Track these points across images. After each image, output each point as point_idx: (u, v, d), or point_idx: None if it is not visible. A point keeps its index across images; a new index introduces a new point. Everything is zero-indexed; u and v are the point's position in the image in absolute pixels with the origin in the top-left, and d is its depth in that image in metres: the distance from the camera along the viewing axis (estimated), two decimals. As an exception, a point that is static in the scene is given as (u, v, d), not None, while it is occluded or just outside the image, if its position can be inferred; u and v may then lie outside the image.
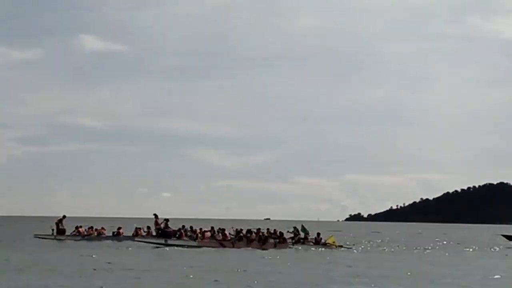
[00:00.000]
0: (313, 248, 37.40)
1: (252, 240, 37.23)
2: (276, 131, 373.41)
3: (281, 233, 38.65)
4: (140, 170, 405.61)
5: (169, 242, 35.44)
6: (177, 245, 35.09)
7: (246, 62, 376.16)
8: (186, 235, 36.85)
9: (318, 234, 39.58)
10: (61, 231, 42.97)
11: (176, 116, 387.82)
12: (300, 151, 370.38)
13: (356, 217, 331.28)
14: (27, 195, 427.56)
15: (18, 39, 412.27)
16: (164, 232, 36.33)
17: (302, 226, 42.14)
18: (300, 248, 37.30)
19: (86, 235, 42.86)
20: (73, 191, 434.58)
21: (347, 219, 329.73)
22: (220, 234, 37.48)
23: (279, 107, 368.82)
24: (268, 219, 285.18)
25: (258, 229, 38.75)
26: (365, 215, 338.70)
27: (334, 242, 38.76)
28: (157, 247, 34.79)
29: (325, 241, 38.85)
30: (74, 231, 43.25)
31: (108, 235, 43.67)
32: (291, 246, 37.68)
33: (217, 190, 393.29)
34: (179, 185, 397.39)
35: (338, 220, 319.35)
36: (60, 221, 43.86)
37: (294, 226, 43.46)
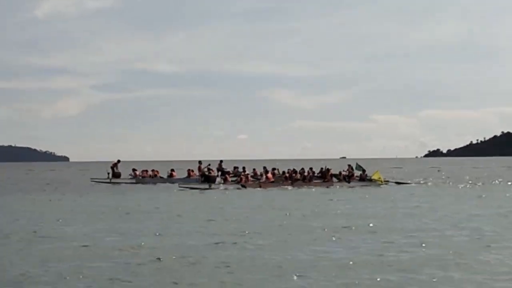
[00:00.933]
0: (351, 185, 37.31)
1: (296, 180, 37.36)
2: (352, 70, 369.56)
3: (325, 172, 38.58)
4: (216, 113, 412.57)
5: (213, 186, 35.84)
6: (221, 189, 35.41)
7: (318, 2, 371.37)
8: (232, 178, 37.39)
9: (363, 171, 39.29)
10: (116, 175, 44.32)
11: (250, 59, 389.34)
12: (376, 89, 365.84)
13: (435, 153, 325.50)
14: (106, 140, 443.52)
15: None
16: (207, 177, 36.89)
17: (357, 164, 42.05)
18: (337, 185, 37.14)
19: (141, 177, 43.83)
20: (149, 135, 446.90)
21: (426, 155, 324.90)
22: (264, 176, 37.77)
23: (353, 45, 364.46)
24: (344, 157, 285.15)
25: (302, 169, 38.73)
26: (444, 151, 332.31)
27: (379, 178, 38.43)
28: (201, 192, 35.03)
29: (370, 177, 38.62)
30: (130, 174, 44.49)
31: (163, 176, 44.50)
32: (335, 184, 37.64)
33: (292, 131, 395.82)
34: (255, 127, 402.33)
35: (416, 157, 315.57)
36: (115, 165, 45.13)
37: (348, 164, 43.55)
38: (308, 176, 37.83)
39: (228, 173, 39.81)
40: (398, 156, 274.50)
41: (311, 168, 38.81)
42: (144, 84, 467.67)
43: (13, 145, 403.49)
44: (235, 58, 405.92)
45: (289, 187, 35.70)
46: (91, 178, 47.71)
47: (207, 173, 37.37)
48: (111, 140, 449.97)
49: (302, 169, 38.66)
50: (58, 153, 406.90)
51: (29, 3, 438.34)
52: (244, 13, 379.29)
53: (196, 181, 37.88)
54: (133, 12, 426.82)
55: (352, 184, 37.69)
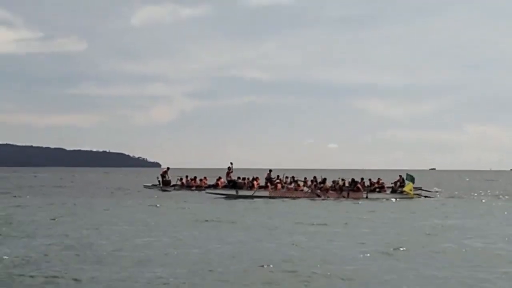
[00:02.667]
0: (377, 197, 36.66)
1: (327, 189, 37.26)
2: (444, 79, 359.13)
3: (356, 182, 38.24)
4: (307, 121, 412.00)
5: (240, 193, 36.30)
6: (247, 196, 35.83)
7: (411, 9, 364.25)
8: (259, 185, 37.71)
9: (395, 183, 38.70)
10: (166, 182, 45.84)
11: (341, 67, 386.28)
12: (470, 98, 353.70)
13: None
14: (198, 148, 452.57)
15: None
16: (235, 183, 37.38)
17: (407, 174, 41.62)
18: (363, 197, 36.58)
19: (187, 186, 45.06)
20: (241, 143, 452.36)
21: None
22: (293, 184, 37.92)
23: (447, 54, 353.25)
24: (434, 169, 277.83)
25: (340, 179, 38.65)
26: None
27: (410, 191, 37.63)
28: (228, 198, 35.56)
29: (402, 189, 37.88)
30: (177, 180, 45.73)
31: (211, 183, 44.88)
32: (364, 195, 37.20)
33: (383, 140, 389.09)
34: (346, 136, 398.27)
35: (511, 169, 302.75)
36: (165, 173, 46.79)
37: (399, 175, 43.04)
38: (338, 186, 37.63)
39: (275, 182, 40.17)
40: (493, 169, 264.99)
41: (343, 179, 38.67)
42: (236, 92, 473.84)
43: (107, 150, 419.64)
44: (327, 66, 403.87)
45: (317, 198, 35.67)
46: (144, 185, 49.30)
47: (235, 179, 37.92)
48: (202, 147, 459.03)
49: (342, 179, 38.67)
50: (150, 159, 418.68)
51: (125, 12, 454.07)
52: (337, 20, 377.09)
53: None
54: (226, 20, 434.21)
55: (380, 195, 37.14)
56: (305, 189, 37.13)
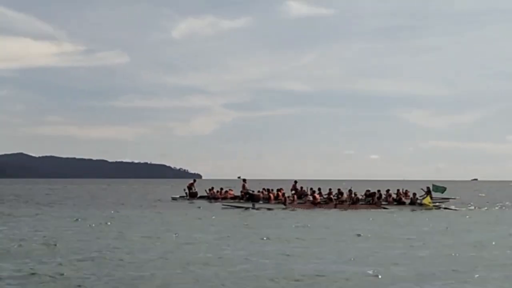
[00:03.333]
0: (394, 209, 36.19)
1: (342, 202, 36.91)
2: (487, 89, 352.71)
3: (373, 194, 37.79)
4: (347, 132, 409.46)
5: (257, 205, 36.18)
6: (264, 208, 35.68)
7: (452, 18, 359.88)
8: (274, 198, 37.48)
9: (414, 194, 38.18)
10: (192, 194, 46.01)
11: (382, 77, 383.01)
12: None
13: None
14: (237, 159, 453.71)
15: (227, 8, 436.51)
16: (252, 196, 37.29)
17: (433, 185, 41.67)
18: (380, 209, 36.08)
19: (212, 197, 44.91)
20: (280, 154, 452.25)
21: None
22: (310, 197, 37.69)
23: (489, 64, 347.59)
24: (476, 179, 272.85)
25: (349, 191, 38.25)
26: None
27: (429, 203, 37.08)
28: (245, 210, 35.41)
29: (421, 201, 37.33)
30: (208, 192, 45.66)
31: (237, 194, 44.66)
32: (385, 207, 36.71)
33: (425, 151, 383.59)
34: (387, 147, 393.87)
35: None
36: (191, 185, 46.97)
37: (427, 186, 42.90)
38: (354, 198, 37.26)
39: (301, 193, 40.07)
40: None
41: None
42: (276, 103, 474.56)
43: (148, 162, 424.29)
44: (366, 77, 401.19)
45: (331, 209, 35.36)
46: (172, 197, 49.46)
47: (251, 191, 37.86)
48: (242, 159, 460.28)
49: (350, 191, 38.24)
50: (191, 171, 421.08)
51: (166, 25, 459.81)
52: (377, 30, 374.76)
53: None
54: (266, 31, 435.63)
55: (398, 207, 36.63)
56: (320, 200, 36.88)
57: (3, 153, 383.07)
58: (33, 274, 13.06)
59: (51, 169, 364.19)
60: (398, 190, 40.89)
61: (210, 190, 45.85)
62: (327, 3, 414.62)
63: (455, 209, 37.52)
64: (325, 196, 37.92)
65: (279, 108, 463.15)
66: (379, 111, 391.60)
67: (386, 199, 37.79)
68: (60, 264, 14.30)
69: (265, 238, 19.89)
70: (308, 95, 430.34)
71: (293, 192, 40.02)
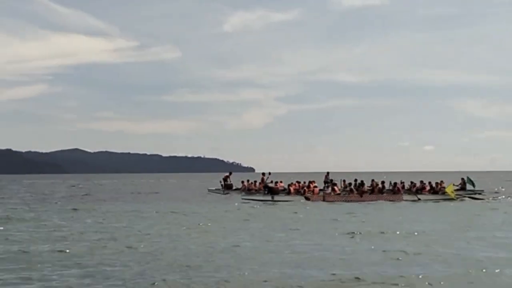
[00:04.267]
0: (418, 199, 35.64)
1: (364, 192, 36.50)
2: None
3: (395, 184, 37.34)
4: (400, 123, 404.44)
5: (276, 198, 36.09)
6: (283, 201, 35.55)
7: (506, 7, 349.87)
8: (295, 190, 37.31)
9: (437, 184, 37.51)
10: (228, 186, 46.13)
11: (434, 67, 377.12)
12: None
13: None
14: (290, 151, 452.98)
15: (278, 1, 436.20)
16: (271, 189, 37.20)
17: (467, 177, 41.37)
18: (401, 199, 35.61)
19: (248, 189, 44.65)
20: (332, 146, 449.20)
21: None
22: (329, 188, 37.35)
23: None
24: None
25: (372, 181, 37.84)
26: None
27: (452, 192, 36.31)
28: (265, 203, 35.27)
29: (444, 191, 36.61)
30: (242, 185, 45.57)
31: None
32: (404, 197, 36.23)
33: (480, 142, 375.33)
34: (442, 138, 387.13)
35: None
36: (227, 177, 47.07)
37: (462, 177, 42.54)
38: (377, 189, 36.85)
39: (335, 184, 39.82)
40: None
41: (383, 182, 37.79)
42: (328, 95, 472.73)
43: (202, 156, 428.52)
44: (419, 67, 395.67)
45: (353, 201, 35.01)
46: (208, 189, 49.55)
47: (270, 184, 37.73)
48: (295, 151, 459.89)
49: (372, 181, 37.81)
50: (244, 164, 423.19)
51: (218, 18, 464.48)
52: (428, 20, 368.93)
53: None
54: (317, 23, 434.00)
55: (421, 197, 36.04)
56: (338, 191, 36.58)
57: (59, 149, 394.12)
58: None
59: (106, 164, 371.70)
60: (429, 182, 40.06)
61: (246, 182, 45.57)
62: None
63: (480, 199, 36.67)
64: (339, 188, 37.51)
65: (331, 100, 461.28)
66: (432, 101, 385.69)
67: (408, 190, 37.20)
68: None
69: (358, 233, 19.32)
70: (360, 86, 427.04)
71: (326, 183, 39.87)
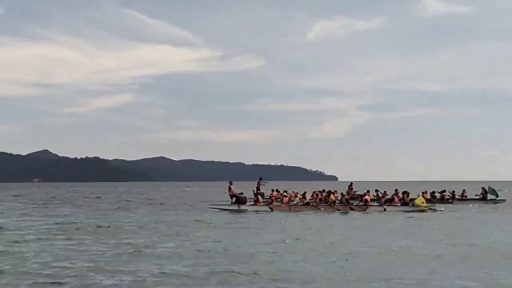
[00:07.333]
0: (385, 209, 34.39)
1: (333, 202, 35.71)
2: None
3: (362, 195, 36.22)
4: (488, 133, 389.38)
5: (242, 207, 35.81)
6: (249, 211, 35.21)
7: None
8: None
9: (406, 194, 36.04)
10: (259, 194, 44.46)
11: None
12: None
13: None
14: (372, 160, 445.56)
15: (361, 9, 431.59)
16: (238, 198, 36.84)
17: (489, 187, 40.58)
18: (366, 210, 34.44)
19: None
20: (414, 155, 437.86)
21: None
22: (297, 199, 36.85)
23: None
24: None
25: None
26: None
27: (422, 203, 34.79)
28: (231, 213, 35.01)
29: (413, 202, 35.06)
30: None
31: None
32: (376, 208, 35.06)
33: None
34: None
35: None
36: (259, 184, 45.83)
37: (482, 187, 41.71)
38: (343, 199, 36.01)
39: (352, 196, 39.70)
40: None
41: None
42: (411, 104, 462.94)
43: (285, 164, 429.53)
44: (505, 76, 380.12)
45: (312, 211, 34.37)
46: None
47: (238, 194, 37.35)
48: (377, 160, 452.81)
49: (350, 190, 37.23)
50: (327, 173, 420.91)
51: (301, 27, 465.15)
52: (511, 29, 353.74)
53: None
54: (401, 31, 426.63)
55: (389, 208, 34.70)
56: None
57: (145, 157, 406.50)
58: None
59: (191, 172, 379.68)
60: (440, 191, 38.77)
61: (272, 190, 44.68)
62: (465, 1, 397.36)
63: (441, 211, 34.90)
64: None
65: (414, 109, 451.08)
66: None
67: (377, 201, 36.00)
68: None
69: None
70: (443, 95, 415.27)
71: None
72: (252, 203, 36.84)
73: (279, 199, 36.94)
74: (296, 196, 37.96)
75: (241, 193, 37.58)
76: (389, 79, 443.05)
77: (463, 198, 45.45)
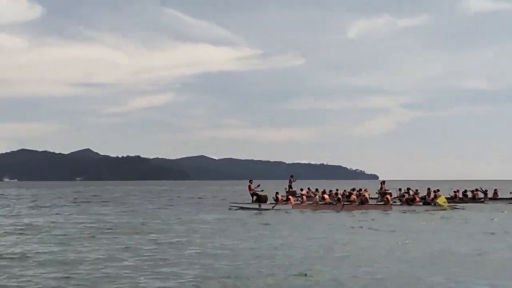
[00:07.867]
0: (407, 209, 33.68)
1: (351, 202, 35.21)
2: None
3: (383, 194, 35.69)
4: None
5: (263, 206, 35.62)
6: (269, 209, 34.99)
7: None
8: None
9: (429, 193, 35.28)
10: (291, 193, 43.89)
11: None
12: None
13: None
14: (415, 159, 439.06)
15: (404, 6, 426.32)
16: (259, 197, 36.63)
17: None
18: (390, 209, 33.81)
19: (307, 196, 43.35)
20: (457, 154, 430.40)
21: None
22: (316, 197, 36.58)
23: None
24: None
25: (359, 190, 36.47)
26: None
27: (444, 203, 34.03)
28: (252, 212, 34.81)
29: (435, 202, 34.31)
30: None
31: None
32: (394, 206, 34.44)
33: None
34: None
35: None
36: (290, 182, 45.55)
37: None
38: (364, 199, 35.54)
39: (390, 194, 39.40)
40: None
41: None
42: (455, 102, 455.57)
43: (325, 163, 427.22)
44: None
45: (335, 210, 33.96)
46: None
47: (259, 192, 37.15)
48: (420, 159, 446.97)
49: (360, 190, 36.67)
50: (368, 172, 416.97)
51: (342, 25, 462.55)
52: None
53: None
54: (444, 29, 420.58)
55: (412, 208, 34.04)
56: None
57: (185, 155, 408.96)
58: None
59: (230, 170, 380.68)
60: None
61: (302, 190, 44.17)
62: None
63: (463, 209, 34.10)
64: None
65: (458, 107, 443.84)
66: None
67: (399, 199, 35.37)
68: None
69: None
70: (489, 93, 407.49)
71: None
72: (272, 201, 36.53)
73: (310, 198, 36.97)
74: (315, 195, 37.63)
75: (262, 190, 37.39)
76: (434, 76, 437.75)
77: (495, 198, 44.83)
